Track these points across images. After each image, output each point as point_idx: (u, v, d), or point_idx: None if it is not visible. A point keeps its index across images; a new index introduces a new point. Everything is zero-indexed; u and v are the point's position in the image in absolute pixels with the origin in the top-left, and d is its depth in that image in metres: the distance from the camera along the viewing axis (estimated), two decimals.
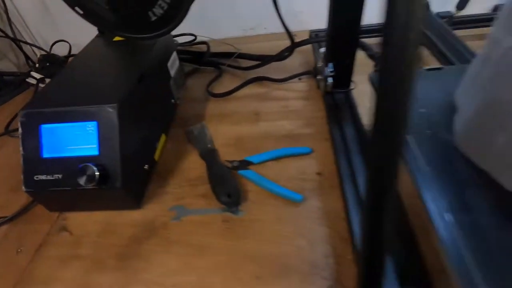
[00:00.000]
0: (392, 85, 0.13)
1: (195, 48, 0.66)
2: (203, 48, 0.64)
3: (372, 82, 0.31)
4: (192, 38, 0.67)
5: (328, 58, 0.38)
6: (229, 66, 0.59)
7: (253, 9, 0.72)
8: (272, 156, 0.40)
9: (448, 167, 0.24)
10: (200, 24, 0.70)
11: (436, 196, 0.22)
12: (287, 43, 0.49)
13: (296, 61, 0.58)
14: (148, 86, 0.40)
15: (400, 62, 0.12)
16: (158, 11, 0.37)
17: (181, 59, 0.64)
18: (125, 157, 0.33)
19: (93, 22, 0.40)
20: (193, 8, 0.70)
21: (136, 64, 0.41)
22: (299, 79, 0.53)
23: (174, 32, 0.41)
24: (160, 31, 0.39)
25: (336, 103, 0.40)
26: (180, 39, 0.68)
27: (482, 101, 0.22)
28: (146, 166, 0.39)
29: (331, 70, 0.37)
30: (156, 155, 0.42)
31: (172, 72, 0.50)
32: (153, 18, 0.38)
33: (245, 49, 0.61)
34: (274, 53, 0.56)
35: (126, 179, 0.33)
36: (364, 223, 0.17)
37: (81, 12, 0.38)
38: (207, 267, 0.31)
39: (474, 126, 0.23)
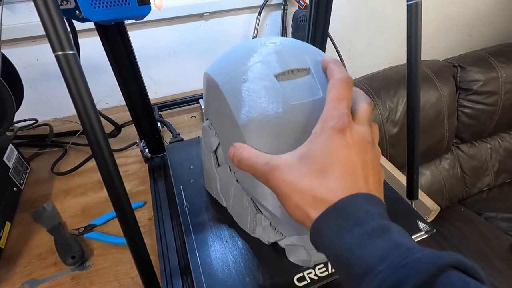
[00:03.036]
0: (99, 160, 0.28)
1: (38, 130, 0.72)
2: (47, 129, 0.71)
3: None
4: (33, 122, 0.73)
5: (140, 136, 0.54)
6: (74, 144, 0.68)
7: (94, 88, 0.84)
8: (113, 215, 0.52)
9: (200, 197, 0.42)
10: (41, 107, 0.76)
11: (190, 212, 0.40)
12: (127, 114, 0.61)
13: (135, 130, 0.72)
14: None
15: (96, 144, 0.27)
16: None
17: (24, 144, 0.68)
18: None
19: None
20: (31, 94, 0.77)
21: None
22: (136, 145, 0.68)
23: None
24: None
25: (156, 165, 0.56)
26: (22, 124, 0.72)
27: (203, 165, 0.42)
28: None
29: (143, 145, 0.53)
30: (2, 243, 0.47)
31: (10, 164, 0.56)
32: None
33: None
34: (119, 123, 0.69)
35: None
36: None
37: None
38: None
39: (206, 178, 0.43)
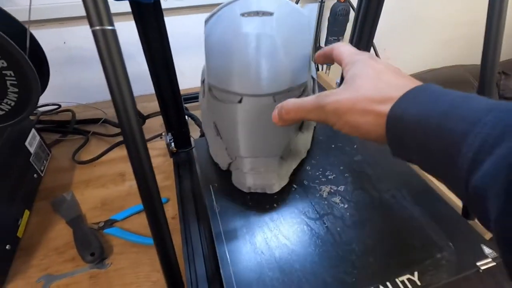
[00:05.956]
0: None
1: (61, 116, 0.70)
2: (69, 115, 0.69)
3: None
4: (56, 107, 0.71)
5: (167, 128, 0.50)
6: (95, 132, 0.65)
7: None
8: (134, 211, 0.49)
9: (230, 198, 0.38)
10: (65, 91, 0.74)
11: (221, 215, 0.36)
12: (154, 104, 0.58)
13: (158, 121, 0.69)
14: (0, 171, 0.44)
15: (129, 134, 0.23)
16: (5, 107, 0.43)
17: (45, 129, 0.67)
18: None
19: None
20: (55, 78, 0.75)
21: None
22: (161, 137, 0.64)
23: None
24: (10, 121, 0.44)
25: (181, 160, 0.52)
26: (45, 108, 0.70)
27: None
28: (7, 246, 0.42)
29: (170, 138, 0.50)
30: (20, 232, 0.45)
31: (32, 149, 0.53)
32: (1, 113, 0.43)
33: (113, 112, 0.69)
34: (144, 114, 0.66)
35: None
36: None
37: None
38: None
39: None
